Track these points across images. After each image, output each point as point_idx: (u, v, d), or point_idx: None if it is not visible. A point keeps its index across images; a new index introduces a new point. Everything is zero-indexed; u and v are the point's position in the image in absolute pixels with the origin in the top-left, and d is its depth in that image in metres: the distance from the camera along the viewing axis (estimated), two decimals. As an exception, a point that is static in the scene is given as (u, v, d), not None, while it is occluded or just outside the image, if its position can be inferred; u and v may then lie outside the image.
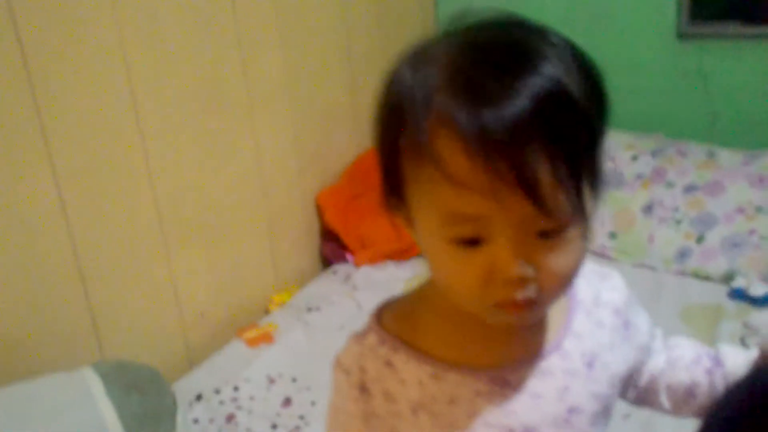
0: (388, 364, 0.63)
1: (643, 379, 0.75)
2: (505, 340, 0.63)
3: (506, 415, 0.62)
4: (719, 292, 1.96)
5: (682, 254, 2.08)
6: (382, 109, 0.57)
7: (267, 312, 2.10)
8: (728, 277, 1.99)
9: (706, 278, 2.03)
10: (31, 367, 1.44)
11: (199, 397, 1.70)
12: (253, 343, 1.90)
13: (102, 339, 1.67)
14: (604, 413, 0.67)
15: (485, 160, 0.48)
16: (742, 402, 0.61)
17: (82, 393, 1.22)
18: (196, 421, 1.62)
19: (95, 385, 1.24)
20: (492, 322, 0.58)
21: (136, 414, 1.29)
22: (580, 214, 0.53)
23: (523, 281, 0.53)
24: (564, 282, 0.56)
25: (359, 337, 0.66)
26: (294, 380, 1.77)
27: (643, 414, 1.51)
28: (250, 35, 1.99)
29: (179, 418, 1.37)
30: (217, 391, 1.72)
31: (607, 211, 2.24)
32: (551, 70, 0.50)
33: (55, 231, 1.54)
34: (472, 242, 0.53)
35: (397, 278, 2.19)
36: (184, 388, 1.71)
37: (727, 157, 2.24)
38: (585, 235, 0.55)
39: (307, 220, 2.31)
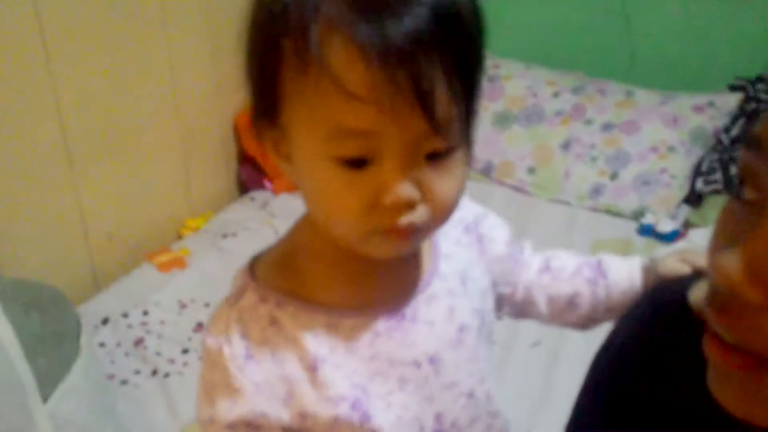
0: (273, 322, 0.57)
1: (519, 293, 0.75)
2: (390, 274, 0.60)
3: (408, 347, 0.60)
4: (629, 228, 2.02)
5: (596, 190, 2.13)
6: (258, 18, 0.53)
7: (179, 237, 2.03)
8: (638, 214, 2.05)
9: (618, 214, 2.08)
10: None
11: (105, 321, 1.64)
12: (164, 267, 1.84)
13: (2, 258, 1.57)
14: (486, 328, 0.67)
15: (384, 70, 0.46)
16: (636, 323, 0.61)
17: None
18: (102, 344, 1.57)
19: (-11, 302, 1.16)
20: (372, 255, 0.54)
21: (35, 333, 1.22)
22: (466, 137, 0.53)
23: (409, 205, 0.50)
24: (448, 208, 0.54)
25: (232, 299, 0.59)
26: (207, 305, 1.73)
27: (551, 342, 1.56)
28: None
29: (83, 340, 1.31)
30: (125, 315, 1.66)
31: (528, 147, 2.26)
32: None
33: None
34: (359, 163, 0.50)
35: (316, 206, 2.16)
36: (90, 311, 1.64)
37: (644, 96, 2.28)
38: (468, 161, 0.54)
39: (224, 143, 2.23)
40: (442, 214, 0.53)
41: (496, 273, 0.70)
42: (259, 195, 2.22)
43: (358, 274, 0.59)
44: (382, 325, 0.59)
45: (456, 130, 0.51)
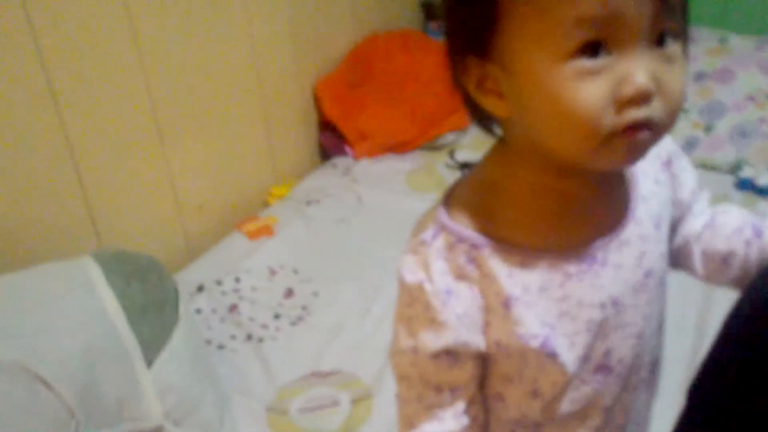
0: (471, 260, 0.60)
1: (677, 240, 0.73)
2: (588, 217, 0.62)
3: (596, 291, 0.62)
4: (726, 182, 1.93)
5: (690, 144, 2.04)
6: None
7: (266, 205, 2.07)
8: (736, 168, 1.95)
9: (713, 168, 1.99)
10: (28, 258, 1.41)
11: (200, 288, 1.69)
12: (253, 235, 1.88)
13: (99, 230, 1.64)
14: (666, 271, 0.68)
15: None
16: None
17: (82, 280, 1.20)
18: (198, 311, 1.62)
19: (95, 272, 1.21)
20: (605, 166, 0.56)
21: (138, 302, 1.27)
22: (686, 27, 0.55)
23: (646, 97, 0.51)
24: (678, 104, 0.54)
25: (428, 239, 0.61)
26: (295, 272, 1.76)
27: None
28: None
29: (182, 308, 1.36)
30: (219, 282, 1.71)
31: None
32: None
33: (46, 117, 1.48)
34: (596, 50, 0.51)
35: (398, 171, 2.15)
36: (185, 280, 1.70)
37: (738, 42, 2.16)
38: (687, 58, 0.56)
39: (304, 111, 2.24)
40: (673, 110, 0.54)
41: (674, 216, 0.71)
42: (340, 161, 2.23)
43: (554, 214, 0.61)
44: (573, 267, 0.61)
45: (682, 16, 0.54)
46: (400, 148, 2.25)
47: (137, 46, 1.64)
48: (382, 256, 1.74)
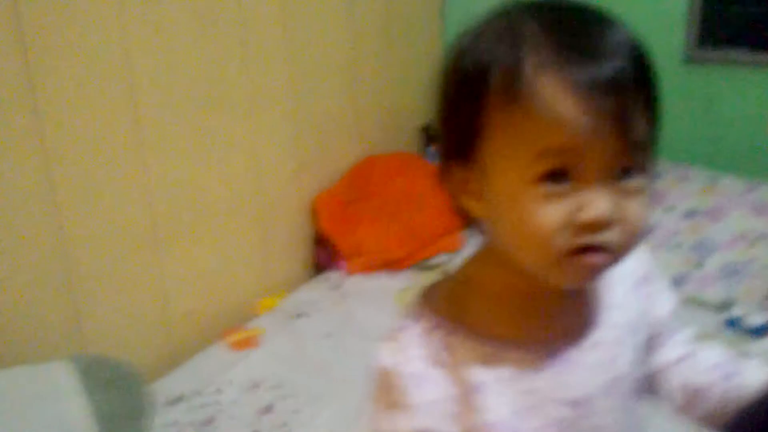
0: (445, 347, 0.62)
1: (656, 365, 0.74)
2: (558, 315, 0.64)
3: (565, 389, 0.63)
4: (715, 320, 1.92)
5: (680, 280, 2.05)
6: (463, 70, 0.60)
7: (254, 315, 2.06)
8: (725, 306, 1.95)
9: (703, 305, 1.99)
10: (9, 354, 1.40)
11: (179, 398, 1.66)
12: (238, 346, 1.86)
13: (84, 332, 1.63)
14: (639, 382, 0.69)
15: (591, 98, 0.53)
16: (752, 424, 0.58)
17: (53, 387, 1.18)
18: (175, 422, 1.58)
19: (69, 378, 1.19)
20: (560, 282, 0.58)
21: (112, 411, 1.25)
22: (651, 163, 0.58)
23: (604, 224, 0.55)
24: (637, 234, 0.57)
25: (407, 325, 0.65)
26: (278, 386, 1.73)
27: None
28: (255, 35, 1.97)
29: (156, 420, 1.32)
30: (199, 393, 1.68)
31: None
32: (629, 31, 0.58)
33: (42, 215, 1.51)
34: (560, 178, 0.55)
35: (389, 289, 2.15)
36: (165, 388, 1.67)
37: (728, 183, 2.21)
38: (650, 192, 0.59)
39: (300, 224, 2.28)
40: (631, 238, 0.57)
41: (650, 335, 0.72)
42: (332, 276, 2.24)
43: (523, 312, 0.64)
44: (543, 363, 0.63)
45: (647, 154, 0.57)
46: (392, 266, 2.26)
47: (141, 152, 1.69)
48: (366, 375, 1.71)
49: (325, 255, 2.30)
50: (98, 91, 1.58)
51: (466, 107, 0.59)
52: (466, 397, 0.62)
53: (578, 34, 0.56)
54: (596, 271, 0.58)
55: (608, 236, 0.55)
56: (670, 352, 0.75)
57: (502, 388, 0.62)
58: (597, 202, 0.54)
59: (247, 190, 2.04)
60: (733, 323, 1.88)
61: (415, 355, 0.62)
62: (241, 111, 1.96)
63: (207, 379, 1.73)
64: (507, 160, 0.57)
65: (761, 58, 2.32)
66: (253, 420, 1.61)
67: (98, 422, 1.19)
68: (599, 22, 0.58)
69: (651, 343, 0.73)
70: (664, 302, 0.74)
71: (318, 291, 2.16)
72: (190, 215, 1.85)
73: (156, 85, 1.70)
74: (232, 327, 1.96)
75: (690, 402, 0.73)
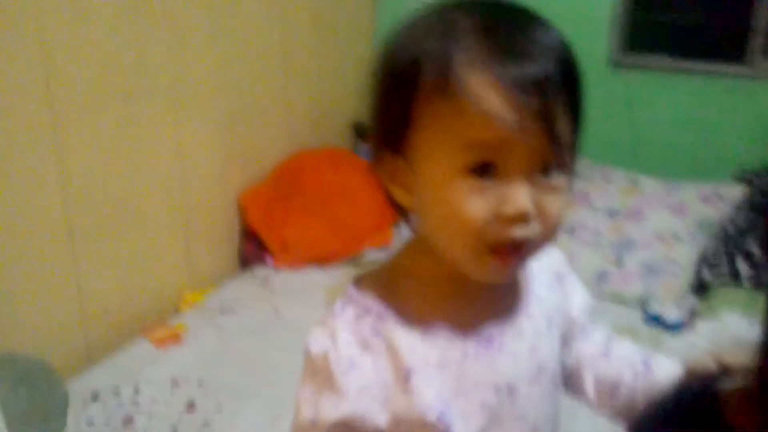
0: (375, 333, 0.63)
1: (570, 361, 0.77)
2: (484, 302, 0.66)
3: (492, 373, 0.65)
4: (634, 316, 1.98)
5: (601, 277, 2.10)
6: (395, 62, 0.61)
7: (178, 311, 2.00)
8: (644, 302, 2.01)
9: (623, 302, 2.05)
10: None
11: (95, 397, 1.59)
12: (159, 343, 1.81)
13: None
14: (558, 373, 0.71)
15: (517, 94, 0.55)
16: (661, 419, 0.60)
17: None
18: (90, 422, 1.52)
19: (-25, 376, 1.13)
20: (482, 275, 0.60)
21: (21, 410, 1.19)
22: (572, 167, 0.61)
23: (524, 218, 0.56)
24: (555, 228, 0.59)
25: (337, 310, 0.65)
26: (200, 384, 1.68)
27: None
28: (181, 22, 1.91)
29: (70, 418, 1.27)
30: (116, 392, 1.61)
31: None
32: (558, 33, 0.60)
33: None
34: (485, 172, 0.56)
35: (318, 284, 2.13)
36: (80, 386, 1.60)
37: (649, 184, 2.29)
38: (570, 189, 0.61)
39: (228, 219, 2.23)
40: (550, 232, 0.59)
41: (564, 330, 0.74)
42: (260, 271, 2.20)
43: (455, 298, 0.65)
44: (471, 347, 0.64)
45: (569, 153, 0.59)
46: (321, 260, 2.24)
47: (55, 138, 1.61)
48: (294, 372, 1.68)
49: (253, 250, 2.26)
50: (11, 75, 1.50)
51: (397, 98, 0.60)
52: (397, 381, 0.62)
53: (508, 34, 0.58)
54: (514, 269, 0.60)
55: (528, 230, 0.57)
56: (584, 347, 0.77)
57: (431, 372, 0.63)
58: (518, 197, 0.56)
59: (171, 183, 1.98)
60: (651, 319, 1.94)
61: (345, 341, 0.63)
62: (165, 101, 1.90)
63: (125, 377, 1.66)
64: (435, 151, 0.58)
65: (682, 65, 2.42)
66: (173, 419, 1.56)
67: (7, 422, 1.13)
68: (530, 23, 0.59)
69: (567, 339, 0.75)
70: (578, 299, 0.77)
71: (245, 286, 2.12)
72: (109, 208, 1.78)
73: (73, 71, 1.63)
74: (154, 323, 1.90)
75: (603, 396, 0.76)
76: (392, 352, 0.63)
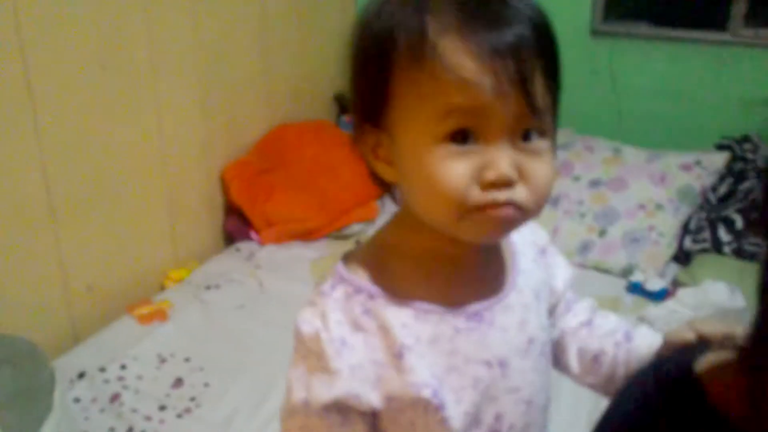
0: (366, 312, 0.63)
1: (555, 333, 0.78)
2: (473, 279, 0.66)
3: (483, 349, 0.65)
4: (618, 285, 2.00)
5: (585, 247, 2.12)
6: (371, 34, 0.61)
7: (162, 288, 2.00)
8: (627, 272, 2.03)
9: (606, 271, 2.07)
10: None
11: (81, 375, 1.59)
12: (144, 320, 1.80)
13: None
14: (548, 345, 0.72)
15: (493, 60, 0.55)
16: (639, 392, 0.60)
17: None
18: (77, 399, 1.52)
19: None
20: (468, 237, 0.60)
21: (6, 389, 1.18)
22: (553, 131, 0.61)
23: (508, 183, 0.57)
24: (543, 193, 0.59)
25: (327, 290, 0.65)
26: (187, 360, 1.68)
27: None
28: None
29: (56, 396, 1.26)
30: (102, 369, 1.61)
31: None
32: (532, 1, 0.59)
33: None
34: (465, 138, 0.57)
35: (303, 258, 2.13)
36: (66, 365, 1.59)
37: (632, 154, 2.29)
38: (554, 154, 0.61)
39: (210, 194, 2.21)
40: (538, 197, 0.59)
41: (549, 302, 0.75)
42: (244, 246, 2.19)
43: (444, 275, 0.65)
44: (462, 323, 0.64)
45: (548, 118, 0.59)
46: (306, 235, 2.24)
47: (35, 118, 1.59)
48: (281, 346, 1.68)
49: (236, 225, 2.25)
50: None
51: (374, 71, 0.60)
52: (390, 360, 0.62)
53: (482, 2, 0.58)
54: (506, 224, 0.59)
55: (515, 194, 0.57)
56: (568, 320, 0.79)
57: (423, 350, 0.63)
58: (499, 161, 0.57)
59: (153, 159, 1.96)
60: (635, 288, 1.96)
61: (335, 320, 0.62)
62: (144, 74, 1.87)
63: (111, 354, 1.66)
64: (413, 121, 0.58)
65: (662, 33, 2.41)
66: (160, 395, 1.57)
67: (-7, 402, 1.12)
68: None
69: (552, 312, 0.76)
70: (561, 272, 0.78)
71: (229, 262, 2.11)
72: (90, 185, 1.76)
73: (48, 43, 1.60)
74: (139, 300, 1.89)
75: (585, 368, 0.77)
76: (384, 330, 0.62)
